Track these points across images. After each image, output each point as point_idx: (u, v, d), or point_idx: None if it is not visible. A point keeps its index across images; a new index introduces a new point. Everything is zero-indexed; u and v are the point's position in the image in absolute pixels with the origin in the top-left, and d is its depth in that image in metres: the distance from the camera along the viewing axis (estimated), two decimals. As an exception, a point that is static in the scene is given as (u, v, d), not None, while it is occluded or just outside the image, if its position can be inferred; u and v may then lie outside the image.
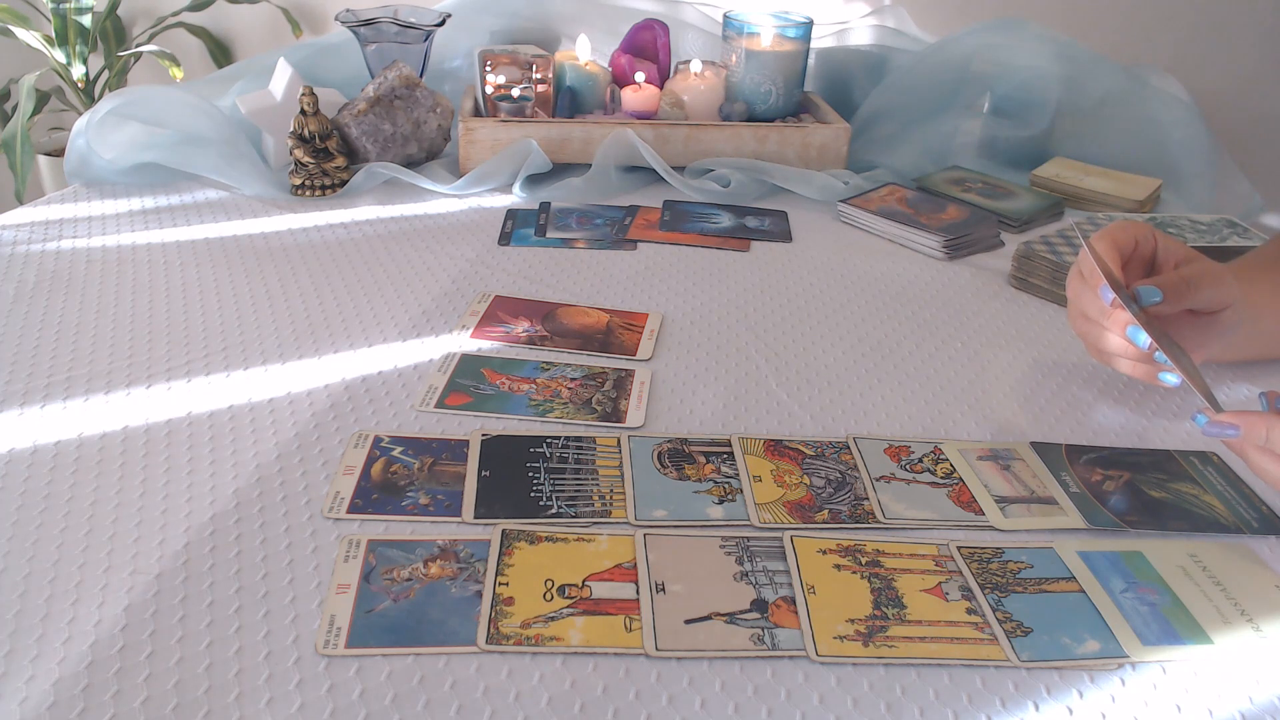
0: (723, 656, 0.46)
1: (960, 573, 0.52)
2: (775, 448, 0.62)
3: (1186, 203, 1.07)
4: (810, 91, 1.20)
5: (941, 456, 0.62)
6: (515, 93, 1.07)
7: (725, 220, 0.98)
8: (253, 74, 1.11)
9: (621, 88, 1.09)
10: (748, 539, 0.54)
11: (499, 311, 0.78)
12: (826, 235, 0.96)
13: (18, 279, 0.80)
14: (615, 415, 0.65)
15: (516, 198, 1.01)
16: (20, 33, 2.00)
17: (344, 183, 1.00)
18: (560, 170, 1.05)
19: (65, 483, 0.56)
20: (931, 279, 0.88)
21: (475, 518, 0.54)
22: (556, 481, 0.58)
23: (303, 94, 0.98)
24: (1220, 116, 1.24)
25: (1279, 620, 0.50)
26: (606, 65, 1.13)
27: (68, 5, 1.99)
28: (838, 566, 0.52)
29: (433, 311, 0.77)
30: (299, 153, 0.98)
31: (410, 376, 0.68)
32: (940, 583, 0.51)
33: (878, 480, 0.59)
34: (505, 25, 1.22)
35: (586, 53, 1.11)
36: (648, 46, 1.14)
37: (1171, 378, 0.61)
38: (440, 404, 0.65)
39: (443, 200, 1.00)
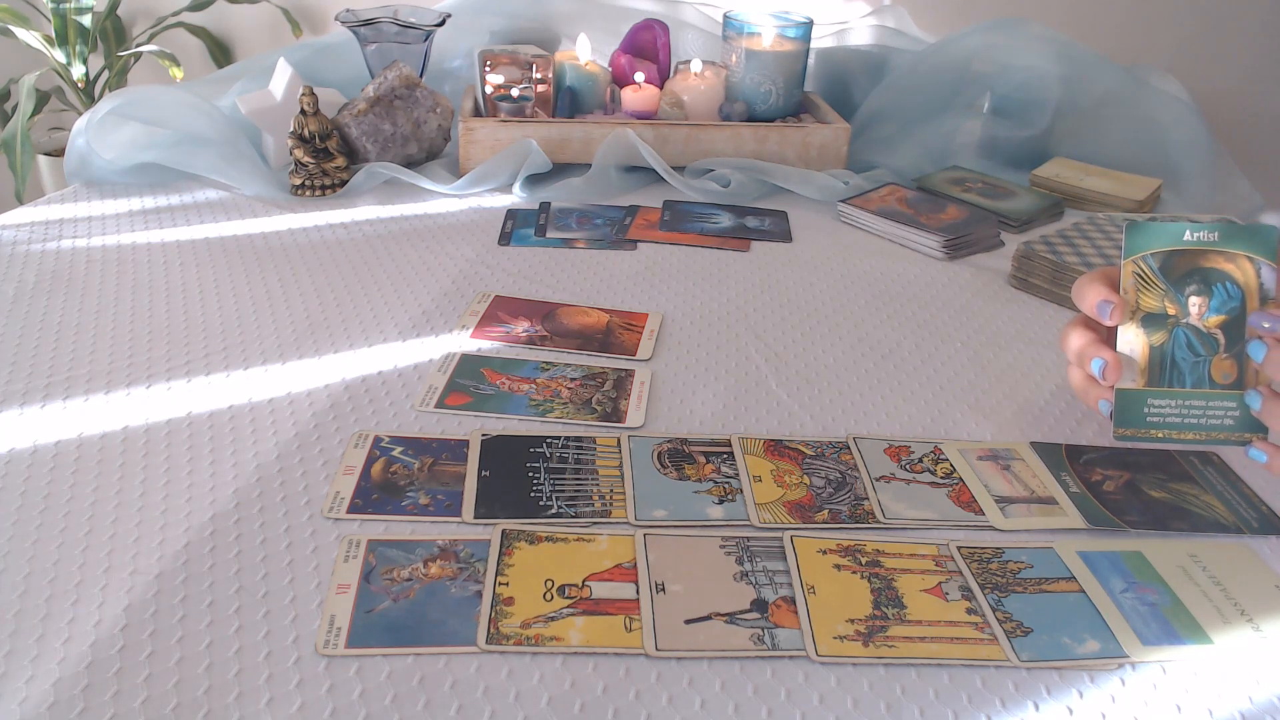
0: (723, 656, 0.46)
1: (960, 573, 0.52)
2: (775, 448, 0.62)
3: (1186, 203, 1.07)
4: (810, 91, 1.20)
5: (941, 456, 0.62)
6: (515, 93, 1.07)
7: (725, 220, 0.98)
8: (253, 74, 1.11)
9: (621, 88, 1.09)
10: (748, 539, 0.54)
11: (499, 311, 0.78)
12: (826, 235, 0.96)
13: (18, 279, 0.80)
14: (615, 415, 0.65)
15: (516, 198, 1.01)
16: (20, 33, 2.00)
17: (344, 183, 1.00)
18: (560, 170, 1.05)
19: (65, 483, 0.56)
20: (931, 279, 0.88)
21: (475, 518, 0.54)
22: (556, 481, 0.58)
23: (303, 94, 0.98)
24: (1220, 116, 1.24)
25: (1279, 620, 0.50)
26: (606, 65, 1.13)
27: (68, 5, 1.99)
28: (838, 566, 0.52)
29: (433, 311, 0.77)
30: (299, 153, 0.98)
31: (410, 376, 0.68)
32: (940, 583, 0.51)
33: (878, 480, 0.59)
34: (505, 25, 1.22)
35: (586, 53, 1.11)
36: (648, 46, 1.15)
37: (1109, 405, 0.59)
38: (440, 404, 0.65)
39: (443, 200, 1.00)
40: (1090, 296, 0.58)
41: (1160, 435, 0.57)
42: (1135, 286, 0.57)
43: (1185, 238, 0.56)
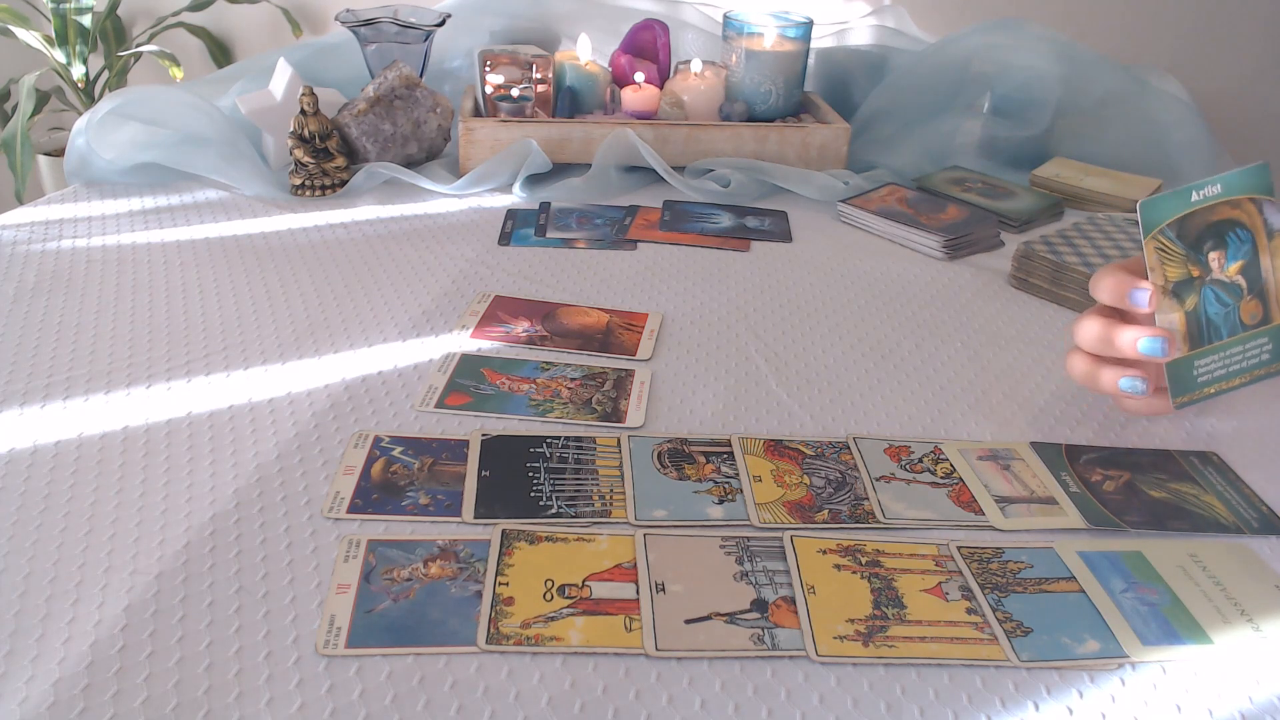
0: (723, 656, 0.46)
1: (960, 573, 0.52)
2: (775, 448, 0.62)
3: (1186, 203, 1.07)
4: (810, 91, 1.20)
5: (941, 456, 0.62)
6: (515, 93, 1.07)
7: (725, 220, 0.98)
8: (253, 74, 1.11)
9: (621, 88, 1.09)
10: (748, 539, 0.54)
11: (499, 311, 0.78)
12: (826, 235, 0.96)
13: (18, 279, 0.80)
14: (615, 415, 0.65)
15: (516, 198, 1.01)
16: (20, 33, 2.00)
17: (344, 183, 1.00)
18: (560, 170, 1.05)
19: (65, 483, 0.56)
20: (931, 279, 0.88)
21: (475, 518, 0.54)
22: (556, 481, 0.58)
23: (303, 94, 0.98)
24: (1220, 116, 1.24)
25: (1279, 620, 0.50)
26: (606, 65, 1.13)
27: (68, 5, 1.99)
28: (838, 566, 0.52)
29: (433, 311, 0.77)
30: (299, 153, 0.98)
31: (410, 376, 0.68)
32: (940, 583, 0.51)
33: (878, 480, 0.59)
34: (505, 25, 1.22)
35: (586, 53, 1.11)
36: (648, 46, 1.15)
37: (1133, 382, 0.59)
38: (440, 404, 0.65)
39: (443, 200, 1.00)
40: (1118, 286, 0.58)
41: (1213, 390, 0.58)
42: (1160, 262, 0.58)
43: (1193, 199, 0.57)
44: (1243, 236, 0.58)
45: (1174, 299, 0.58)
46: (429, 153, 1.07)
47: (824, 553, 0.53)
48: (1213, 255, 0.58)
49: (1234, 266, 0.58)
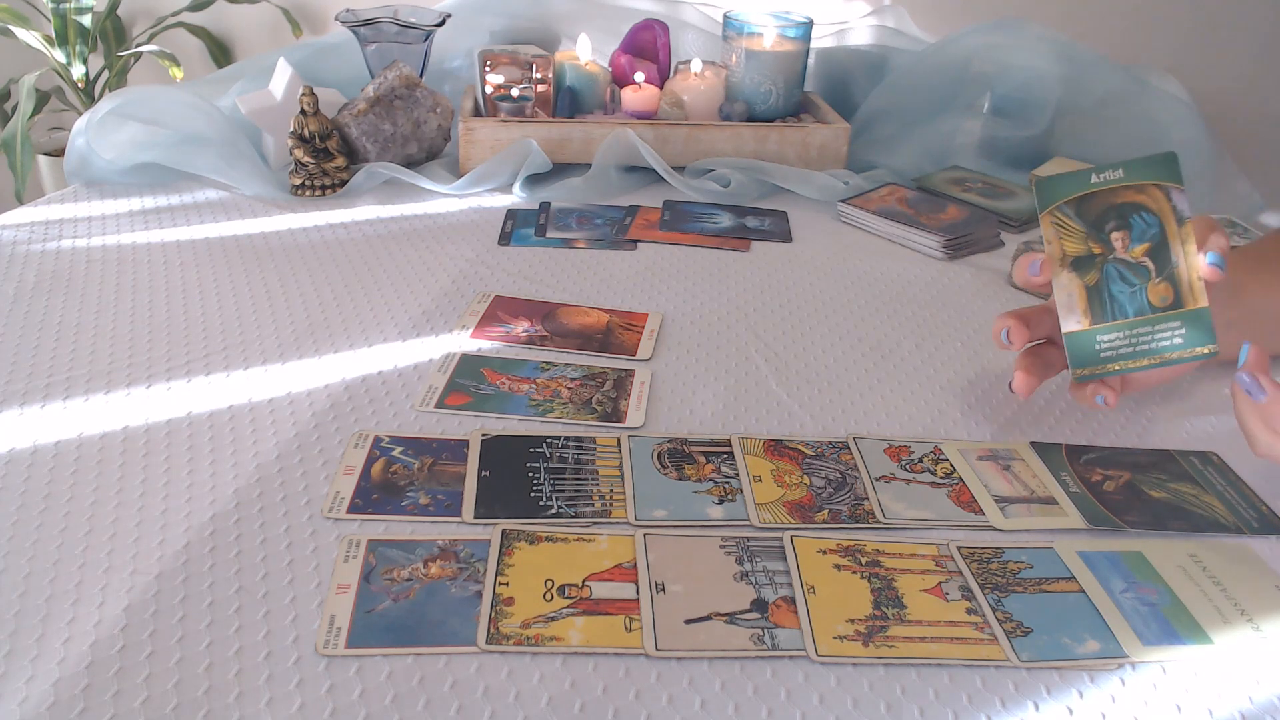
0: (723, 656, 0.46)
1: (960, 573, 0.52)
2: (775, 448, 0.62)
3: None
4: (810, 91, 1.20)
5: (941, 456, 0.62)
6: (515, 93, 1.07)
7: (725, 220, 0.98)
8: (253, 74, 1.11)
9: (621, 88, 1.09)
10: (748, 539, 0.54)
11: (499, 311, 0.78)
12: (826, 235, 0.96)
13: (18, 279, 0.80)
14: (615, 415, 0.65)
15: (516, 198, 1.01)
16: (20, 33, 2.00)
17: (344, 183, 1.00)
18: (560, 170, 1.05)
19: (65, 483, 0.56)
20: (931, 279, 0.88)
21: (475, 518, 0.54)
22: (556, 481, 0.58)
23: (303, 94, 0.98)
24: (1220, 116, 1.24)
25: (1279, 620, 0.50)
26: (606, 65, 1.13)
27: (68, 5, 1.99)
28: (838, 566, 0.52)
29: (433, 311, 0.77)
30: (299, 153, 0.98)
31: (410, 376, 0.68)
32: (940, 583, 0.51)
33: (878, 480, 0.59)
34: (505, 25, 1.22)
35: (586, 53, 1.11)
36: (648, 46, 1.14)
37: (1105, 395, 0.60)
38: (440, 404, 0.65)
39: (443, 200, 1.00)
40: (1022, 262, 0.61)
41: (1117, 367, 0.58)
42: (1057, 236, 0.59)
43: (1093, 180, 0.58)
44: (1149, 220, 0.58)
45: (1073, 272, 0.58)
46: (429, 153, 1.07)
47: (824, 553, 0.53)
48: (1115, 235, 0.58)
49: (1139, 248, 0.58)
